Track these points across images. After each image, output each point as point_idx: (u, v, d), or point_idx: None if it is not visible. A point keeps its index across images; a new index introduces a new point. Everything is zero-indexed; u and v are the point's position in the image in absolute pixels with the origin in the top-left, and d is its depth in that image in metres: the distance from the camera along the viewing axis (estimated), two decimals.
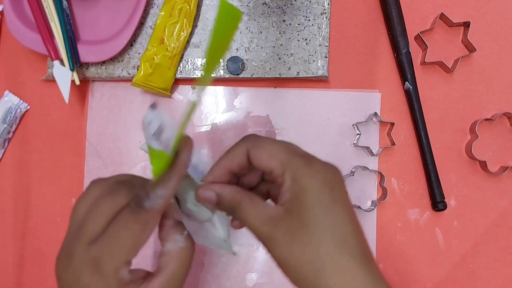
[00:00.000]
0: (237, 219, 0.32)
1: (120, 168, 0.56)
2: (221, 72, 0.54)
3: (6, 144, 0.57)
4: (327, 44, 0.53)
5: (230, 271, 0.55)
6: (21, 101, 0.57)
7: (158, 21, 0.53)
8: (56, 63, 0.52)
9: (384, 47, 0.55)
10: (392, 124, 0.53)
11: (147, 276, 0.31)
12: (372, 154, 0.54)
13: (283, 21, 0.54)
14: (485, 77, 0.55)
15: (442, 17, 0.54)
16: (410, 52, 0.54)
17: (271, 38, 0.54)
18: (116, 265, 0.28)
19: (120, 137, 0.56)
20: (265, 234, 0.30)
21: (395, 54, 0.54)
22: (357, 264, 0.29)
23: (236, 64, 0.53)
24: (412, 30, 0.54)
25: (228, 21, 0.27)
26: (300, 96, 0.55)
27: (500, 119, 0.54)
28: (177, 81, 0.56)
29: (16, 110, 0.56)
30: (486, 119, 0.53)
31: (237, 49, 0.54)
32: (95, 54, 0.53)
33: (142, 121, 0.32)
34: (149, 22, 0.55)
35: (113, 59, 0.54)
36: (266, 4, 0.54)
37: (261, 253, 0.54)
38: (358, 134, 0.54)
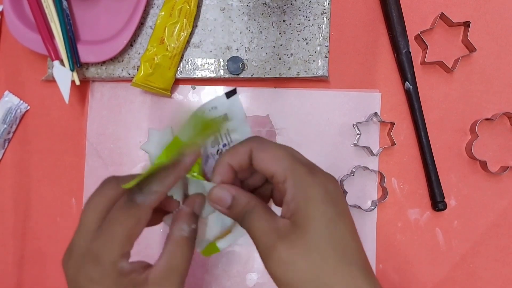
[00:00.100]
0: (243, 225, 0.32)
1: (120, 168, 0.56)
2: (221, 72, 0.54)
3: (6, 144, 0.57)
4: (327, 44, 0.53)
5: (230, 271, 0.55)
6: (21, 101, 0.57)
7: (158, 21, 0.53)
8: (56, 63, 0.52)
9: (384, 47, 0.55)
10: (392, 124, 0.53)
11: (148, 266, 0.31)
12: (372, 154, 0.54)
13: (283, 21, 0.54)
14: (485, 77, 0.55)
15: (442, 17, 0.54)
16: (410, 52, 0.54)
17: (271, 38, 0.54)
18: (114, 258, 0.29)
19: (120, 137, 0.56)
20: (269, 245, 0.29)
21: (395, 54, 0.54)
22: (361, 279, 0.28)
23: (236, 64, 0.53)
24: (412, 30, 0.54)
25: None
26: (300, 96, 0.55)
27: (500, 119, 0.54)
28: (177, 81, 0.56)
29: (16, 111, 0.56)
30: (486, 119, 0.53)
31: (237, 49, 0.54)
32: (95, 54, 0.53)
33: (206, 103, 0.31)
34: (149, 22, 0.55)
35: (113, 59, 0.54)
36: (266, 4, 0.54)
37: None
38: (358, 134, 0.54)
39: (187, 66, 0.54)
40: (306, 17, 0.53)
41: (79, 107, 0.57)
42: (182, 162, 0.31)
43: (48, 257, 0.57)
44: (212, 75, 0.54)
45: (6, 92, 0.57)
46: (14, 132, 0.57)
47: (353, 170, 0.54)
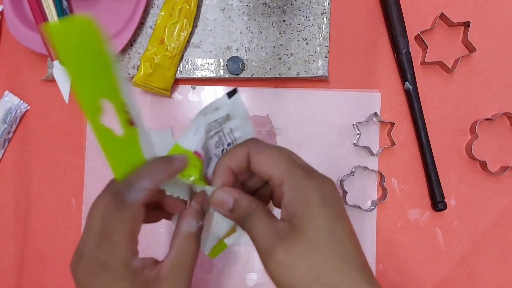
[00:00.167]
0: (244, 228, 0.32)
1: None
2: (221, 72, 0.54)
3: (6, 144, 0.57)
4: (327, 44, 0.53)
5: (230, 271, 0.55)
6: (21, 101, 0.57)
7: (158, 21, 0.53)
8: (56, 63, 0.52)
9: (384, 47, 0.55)
10: (392, 124, 0.53)
11: (156, 262, 0.31)
12: (372, 154, 0.54)
13: (283, 21, 0.54)
14: (485, 77, 0.55)
15: (442, 17, 0.54)
16: (410, 52, 0.54)
17: (271, 38, 0.54)
18: (122, 261, 0.29)
19: None
20: (268, 247, 0.29)
21: (395, 54, 0.54)
22: (360, 279, 0.29)
23: (236, 64, 0.53)
24: (412, 30, 0.54)
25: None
26: (300, 96, 0.55)
27: (500, 119, 0.54)
28: (177, 81, 0.56)
29: (16, 110, 0.56)
30: (486, 119, 0.53)
31: (237, 49, 0.54)
32: None
33: (208, 105, 0.31)
34: (149, 22, 0.55)
35: None
36: (266, 4, 0.54)
37: None
38: (358, 134, 0.54)
39: (187, 66, 0.54)
40: (306, 17, 0.53)
41: (79, 107, 0.57)
42: (173, 160, 0.31)
43: (48, 257, 0.57)
44: (212, 75, 0.54)
45: (6, 92, 0.57)
46: (14, 132, 0.57)
47: (353, 170, 0.54)
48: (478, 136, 0.53)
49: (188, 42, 0.54)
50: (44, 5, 0.52)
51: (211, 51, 0.54)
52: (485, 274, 0.54)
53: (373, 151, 0.53)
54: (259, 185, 0.34)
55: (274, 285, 0.30)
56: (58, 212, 0.57)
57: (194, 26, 0.54)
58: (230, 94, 0.32)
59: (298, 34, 0.53)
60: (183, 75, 0.54)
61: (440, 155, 0.54)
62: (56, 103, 0.57)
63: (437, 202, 0.53)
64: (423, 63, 0.55)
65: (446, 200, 0.53)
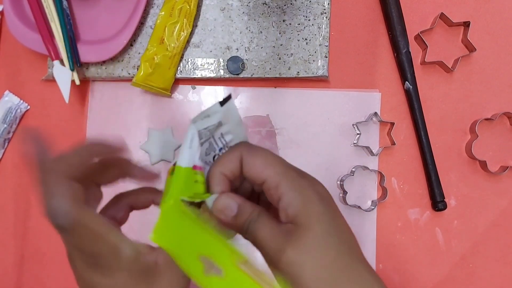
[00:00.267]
0: (247, 236, 0.31)
1: None
2: (221, 72, 0.54)
3: (6, 144, 0.57)
4: (327, 44, 0.53)
5: None
6: (21, 101, 0.57)
7: (158, 21, 0.53)
8: (56, 63, 0.52)
9: (384, 47, 0.55)
10: (392, 124, 0.53)
11: (153, 248, 0.31)
12: (372, 154, 0.54)
13: (283, 21, 0.54)
14: (485, 77, 0.55)
15: (442, 17, 0.54)
16: (410, 52, 0.54)
17: (271, 38, 0.54)
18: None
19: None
20: (277, 249, 0.29)
21: (395, 54, 0.54)
22: (366, 272, 0.29)
23: (236, 64, 0.53)
24: (412, 30, 0.54)
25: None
26: (300, 96, 0.55)
27: (500, 118, 0.54)
28: (177, 81, 0.56)
29: (16, 110, 0.56)
30: (486, 119, 0.53)
31: (237, 49, 0.54)
32: (95, 54, 0.53)
33: (200, 113, 0.31)
34: (149, 22, 0.55)
35: (113, 59, 0.54)
36: (266, 4, 0.54)
37: (260, 254, 0.54)
38: (358, 134, 0.54)
39: (187, 66, 0.54)
40: (306, 17, 0.53)
41: (79, 107, 0.57)
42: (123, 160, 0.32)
43: (48, 257, 0.57)
44: (212, 75, 0.54)
45: (6, 92, 0.57)
46: (14, 132, 0.57)
47: (353, 170, 0.54)
48: (478, 136, 0.53)
49: (188, 42, 0.54)
50: (44, 5, 0.52)
51: (211, 51, 0.54)
52: (485, 274, 0.54)
53: (373, 151, 0.53)
54: (248, 193, 0.34)
55: None
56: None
57: (194, 26, 0.54)
58: (223, 102, 0.31)
59: (298, 34, 0.53)
60: (183, 75, 0.54)
61: (440, 155, 0.54)
62: (56, 103, 0.57)
63: (437, 202, 0.53)
64: (423, 63, 0.55)
65: (446, 200, 0.53)
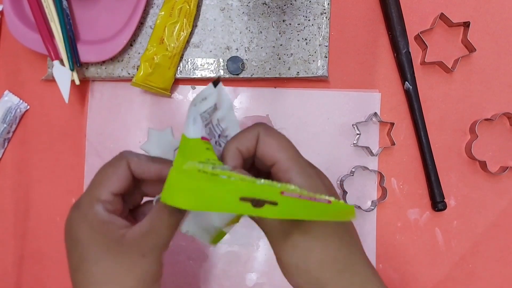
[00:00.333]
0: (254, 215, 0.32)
1: None
2: (221, 72, 0.54)
3: (6, 144, 0.57)
4: (327, 44, 0.53)
5: (230, 271, 0.55)
6: (21, 101, 0.57)
7: (158, 21, 0.53)
8: (56, 63, 0.52)
9: (384, 47, 0.55)
10: (392, 124, 0.53)
11: (130, 226, 0.31)
12: (372, 154, 0.54)
13: (283, 21, 0.54)
14: (485, 77, 0.55)
15: (442, 17, 0.54)
16: (410, 52, 0.54)
17: (271, 38, 0.54)
18: (90, 200, 0.31)
19: (120, 136, 0.56)
20: (283, 233, 0.30)
21: (395, 54, 0.54)
22: (365, 264, 0.31)
23: (236, 64, 0.53)
24: (412, 30, 0.54)
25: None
26: (300, 96, 0.55)
27: (500, 119, 0.54)
28: (177, 81, 0.56)
29: (16, 110, 0.56)
30: (486, 119, 0.53)
31: (237, 49, 0.54)
32: (95, 54, 0.53)
33: (196, 96, 0.31)
34: (149, 22, 0.55)
35: (113, 59, 0.54)
36: (266, 4, 0.54)
37: (261, 253, 0.54)
38: (358, 134, 0.54)
39: (187, 66, 0.54)
40: (306, 17, 0.53)
41: (79, 107, 0.57)
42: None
43: (47, 257, 0.57)
44: (212, 75, 0.54)
45: (6, 92, 0.57)
46: (14, 132, 0.57)
47: (353, 170, 0.54)
48: (477, 136, 0.53)
49: (188, 42, 0.54)
50: (44, 4, 0.52)
51: (211, 51, 0.54)
52: (485, 274, 0.54)
53: (373, 151, 0.53)
54: (256, 174, 0.34)
55: (273, 284, 0.31)
56: (58, 212, 0.57)
57: (194, 26, 0.54)
58: (215, 83, 0.32)
59: (298, 34, 0.53)
60: (183, 75, 0.54)
61: (439, 155, 0.54)
62: (56, 103, 0.57)
63: (437, 202, 0.53)
64: (423, 63, 0.55)
65: (445, 200, 0.53)
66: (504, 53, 0.55)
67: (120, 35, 0.52)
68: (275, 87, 0.56)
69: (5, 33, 0.58)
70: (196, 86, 0.56)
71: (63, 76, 0.52)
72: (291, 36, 0.53)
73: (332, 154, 0.55)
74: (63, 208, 0.57)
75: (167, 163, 0.33)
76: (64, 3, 0.53)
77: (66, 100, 0.52)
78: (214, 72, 0.54)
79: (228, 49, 0.54)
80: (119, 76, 0.55)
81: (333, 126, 0.55)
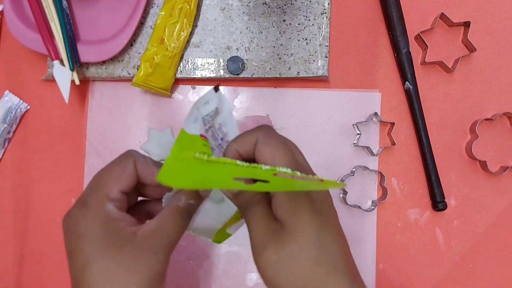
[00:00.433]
0: (243, 216, 0.32)
1: None
2: (221, 72, 0.54)
3: (6, 144, 0.57)
4: (327, 44, 0.53)
5: (230, 271, 0.55)
6: (21, 101, 0.57)
7: (158, 21, 0.53)
8: (56, 63, 0.52)
9: (384, 47, 0.55)
10: (392, 124, 0.53)
11: (138, 223, 0.32)
12: (372, 154, 0.54)
13: (283, 21, 0.54)
14: (485, 77, 0.55)
15: (442, 17, 0.54)
16: (410, 52, 0.54)
17: (271, 38, 0.54)
18: (100, 199, 0.31)
19: (120, 136, 0.56)
20: (261, 244, 0.30)
21: (395, 54, 0.54)
22: (345, 284, 0.29)
23: (236, 64, 0.53)
24: (412, 30, 0.54)
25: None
26: (300, 96, 0.55)
27: (500, 119, 0.54)
28: (177, 81, 0.55)
29: (16, 110, 0.56)
30: (486, 119, 0.53)
31: (237, 49, 0.54)
32: (95, 54, 0.53)
33: (199, 99, 0.32)
34: (149, 22, 0.54)
35: (113, 59, 0.54)
36: (266, 4, 0.54)
37: None
38: (358, 134, 0.54)
39: (187, 66, 0.54)
40: (306, 17, 0.53)
41: (79, 107, 0.57)
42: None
43: (47, 257, 0.57)
44: (212, 75, 0.54)
45: (6, 92, 0.57)
46: (14, 132, 0.57)
47: (353, 170, 0.54)
48: (478, 136, 0.53)
49: (188, 42, 0.54)
50: (44, 4, 0.52)
51: (211, 51, 0.54)
52: (485, 274, 0.54)
53: (373, 151, 0.53)
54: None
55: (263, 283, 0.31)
56: (58, 212, 0.57)
57: (194, 25, 0.54)
58: (216, 88, 0.33)
59: (298, 34, 0.53)
60: (183, 75, 0.54)
61: (440, 155, 0.54)
62: (56, 103, 0.57)
63: (437, 202, 0.53)
64: (423, 63, 0.55)
65: (446, 200, 0.53)
66: (504, 52, 0.55)
67: (120, 35, 0.52)
68: (275, 87, 0.56)
69: (5, 33, 0.58)
70: (197, 86, 0.56)
71: (63, 76, 0.52)
72: (292, 36, 0.53)
73: (332, 154, 0.55)
74: (63, 208, 0.56)
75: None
76: (64, 3, 0.53)
77: (66, 100, 0.52)
78: (214, 72, 0.54)
79: (229, 49, 0.54)
80: (119, 76, 0.55)
81: (334, 126, 0.55)
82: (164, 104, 0.56)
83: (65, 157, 0.57)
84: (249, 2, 0.54)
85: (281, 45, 0.53)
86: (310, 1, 0.53)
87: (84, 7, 0.55)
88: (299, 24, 0.53)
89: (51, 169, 0.57)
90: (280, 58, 0.53)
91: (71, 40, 0.52)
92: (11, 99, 0.57)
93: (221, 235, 0.36)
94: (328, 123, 0.55)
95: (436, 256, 0.54)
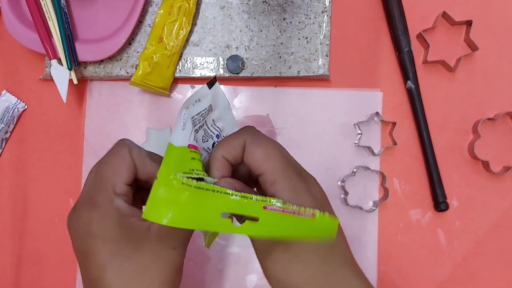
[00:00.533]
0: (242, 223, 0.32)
1: None
2: (221, 71, 0.53)
3: (4, 143, 0.57)
4: (328, 42, 0.53)
5: (230, 273, 0.54)
6: (19, 100, 0.57)
7: (157, 20, 0.52)
8: (54, 62, 0.52)
9: (386, 46, 0.55)
10: (394, 123, 0.53)
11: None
12: (373, 154, 0.53)
13: (284, 19, 0.53)
14: (488, 76, 0.54)
15: (444, 15, 0.53)
16: (412, 51, 0.53)
17: (271, 36, 0.53)
18: (108, 196, 0.30)
19: (119, 136, 0.55)
20: (266, 246, 0.30)
21: (397, 53, 0.54)
22: (352, 277, 0.29)
23: (236, 63, 0.53)
24: (414, 29, 0.54)
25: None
26: (300, 95, 0.55)
27: (502, 118, 0.54)
28: (176, 80, 0.55)
29: (13, 110, 0.56)
30: (489, 119, 0.53)
31: (237, 47, 0.53)
32: (93, 53, 0.52)
33: (189, 98, 0.31)
34: (148, 20, 0.54)
35: (112, 58, 0.54)
36: (266, 2, 0.53)
37: None
38: (359, 133, 0.54)
39: (186, 65, 0.54)
40: (307, 15, 0.53)
41: (77, 106, 0.57)
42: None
43: (45, 257, 0.56)
44: (212, 74, 0.54)
45: (4, 91, 0.56)
46: (11, 132, 0.57)
47: (354, 170, 0.53)
48: (480, 136, 0.53)
49: (187, 40, 0.54)
50: (42, 3, 0.52)
51: (210, 50, 0.54)
52: (487, 275, 0.53)
53: (374, 151, 0.53)
54: (246, 176, 0.34)
55: (270, 284, 0.30)
56: (56, 212, 0.56)
57: (193, 24, 0.54)
58: (210, 84, 0.31)
59: (299, 33, 0.53)
60: (182, 74, 0.54)
61: (442, 155, 0.54)
62: (54, 102, 0.57)
63: (439, 203, 0.52)
64: (425, 62, 0.54)
65: (448, 200, 0.53)
66: (507, 51, 0.54)
67: (119, 34, 0.52)
68: (275, 86, 0.55)
69: (2, 32, 0.57)
70: (196, 85, 0.56)
71: (61, 75, 0.52)
72: (292, 34, 0.53)
73: (333, 154, 0.54)
74: (61, 208, 0.56)
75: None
76: (62, 1, 0.52)
77: (64, 100, 0.52)
78: (213, 71, 0.54)
79: (228, 47, 0.53)
80: (118, 75, 0.54)
81: (334, 125, 0.54)
82: (162, 103, 0.56)
83: (63, 157, 0.57)
84: (249, 0, 0.54)
85: (281, 43, 0.53)
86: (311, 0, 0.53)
87: (82, 5, 0.54)
88: (300, 22, 0.53)
89: (49, 168, 0.57)
90: (280, 57, 0.53)
91: (69, 39, 0.52)
92: (8, 99, 0.56)
93: (211, 239, 0.35)
94: (329, 122, 0.54)
95: (438, 257, 0.54)
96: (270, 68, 0.53)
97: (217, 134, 0.34)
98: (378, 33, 0.55)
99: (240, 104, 0.55)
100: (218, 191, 0.27)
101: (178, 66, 0.54)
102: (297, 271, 0.29)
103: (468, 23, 0.53)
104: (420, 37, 0.54)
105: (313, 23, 0.53)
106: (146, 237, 0.29)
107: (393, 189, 0.54)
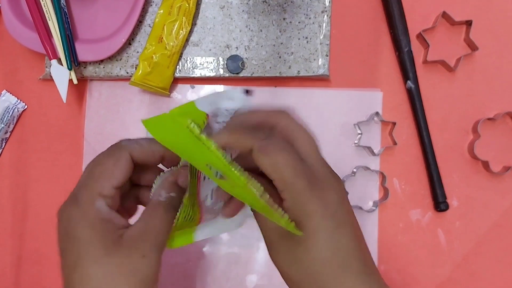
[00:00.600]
0: (254, 213, 0.32)
1: None
2: (221, 71, 0.53)
3: (4, 143, 0.57)
4: (328, 42, 0.53)
5: (230, 273, 0.54)
6: (19, 100, 0.57)
7: (156, 19, 0.52)
8: (54, 62, 0.52)
9: (386, 46, 0.55)
10: (394, 123, 0.53)
11: (128, 226, 0.31)
12: (373, 154, 0.53)
13: (284, 19, 0.53)
14: (488, 76, 0.54)
15: (444, 15, 0.53)
16: (411, 51, 0.53)
17: (271, 36, 0.53)
18: (91, 196, 0.30)
19: (118, 136, 0.55)
20: (274, 240, 0.30)
21: (397, 53, 0.54)
22: (360, 284, 0.29)
23: (236, 63, 0.53)
24: (414, 29, 0.54)
25: None
26: (300, 95, 0.55)
27: (502, 118, 0.54)
28: (176, 80, 0.55)
29: (13, 110, 0.56)
30: (489, 119, 0.53)
31: (236, 47, 0.53)
32: (93, 53, 0.52)
33: (223, 91, 0.32)
34: (148, 20, 0.54)
35: (111, 58, 0.54)
36: (266, 2, 0.53)
37: (261, 255, 0.53)
38: (359, 133, 0.54)
39: (186, 64, 0.54)
40: (307, 15, 0.53)
41: (76, 106, 0.57)
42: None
43: (45, 258, 0.56)
44: (212, 74, 0.54)
45: (4, 91, 0.56)
46: (11, 132, 0.57)
47: (354, 170, 0.53)
48: (480, 136, 0.53)
49: (187, 40, 0.54)
50: (42, 3, 0.52)
51: (210, 50, 0.54)
52: (488, 275, 0.53)
53: (374, 151, 0.53)
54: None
55: (274, 286, 0.31)
56: (56, 212, 0.56)
57: (193, 24, 0.54)
58: (247, 93, 0.32)
59: (299, 33, 0.53)
60: (182, 74, 0.54)
61: (442, 155, 0.54)
62: (54, 102, 0.57)
63: (439, 203, 0.52)
64: (425, 62, 0.54)
65: (448, 200, 0.53)
66: (507, 51, 0.54)
67: (119, 34, 0.52)
68: (275, 86, 0.55)
69: (2, 32, 0.57)
70: (196, 85, 0.56)
71: (61, 75, 0.52)
72: (292, 34, 0.53)
73: (333, 154, 0.54)
74: None
75: None
76: (62, 1, 0.52)
77: (64, 100, 0.52)
78: (213, 71, 0.53)
79: (228, 47, 0.53)
80: (118, 75, 0.54)
81: (334, 125, 0.54)
82: (162, 103, 0.56)
83: (63, 157, 0.56)
84: (249, 0, 0.54)
85: (281, 43, 0.53)
86: None
87: (82, 5, 0.54)
88: (300, 22, 0.53)
89: (49, 168, 0.57)
90: (280, 57, 0.53)
91: (69, 39, 0.52)
92: (8, 99, 0.56)
93: (181, 240, 0.34)
94: (329, 122, 0.54)
95: (438, 257, 0.54)
96: (270, 68, 0.53)
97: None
98: (378, 33, 0.55)
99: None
100: (212, 151, 0.28)
101: (178, 66, 0.54)
102: (298, 271, 0.29)
103: (468, 23, 0.53)
104: (420, 37, 0.54)
105: (313, 23, 0.53)
106: (117, 244, 0.29)
107: (393, 189, 0.54)
